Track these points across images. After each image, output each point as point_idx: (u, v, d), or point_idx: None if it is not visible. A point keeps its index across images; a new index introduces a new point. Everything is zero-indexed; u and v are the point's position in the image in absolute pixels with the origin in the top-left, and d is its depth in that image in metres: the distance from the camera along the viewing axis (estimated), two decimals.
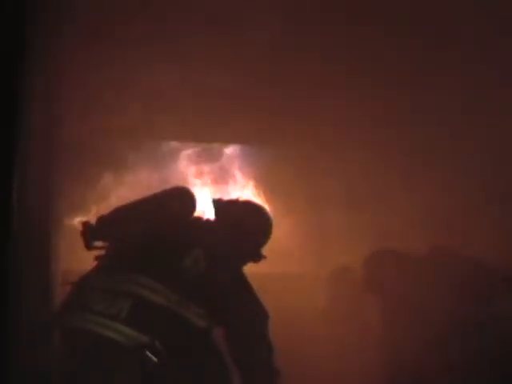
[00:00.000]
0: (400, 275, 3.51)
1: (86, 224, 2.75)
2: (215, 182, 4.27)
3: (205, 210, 3.11)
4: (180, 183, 3.69)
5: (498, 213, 3.73)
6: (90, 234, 2.73)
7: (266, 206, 3.11)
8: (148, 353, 2.44)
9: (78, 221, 3.60)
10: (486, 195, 3.71)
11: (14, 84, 1.82)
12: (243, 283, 2.71)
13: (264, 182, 4.24)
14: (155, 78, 3.74)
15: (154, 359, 2.44)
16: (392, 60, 3.88)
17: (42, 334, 2.48)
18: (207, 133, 4.14)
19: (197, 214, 2.90)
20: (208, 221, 2.92)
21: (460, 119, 3.86)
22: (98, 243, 2.74)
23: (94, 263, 2.70)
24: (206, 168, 4.29)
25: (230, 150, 4.35)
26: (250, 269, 2.84)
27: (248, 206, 3.05)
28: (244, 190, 4.28)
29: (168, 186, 2.95)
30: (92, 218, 2.80)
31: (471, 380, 3.14)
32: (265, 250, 2.93)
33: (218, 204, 2.97)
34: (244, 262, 2.86)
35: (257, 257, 2.92)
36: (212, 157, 4.32)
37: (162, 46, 3.67)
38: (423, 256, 3.59)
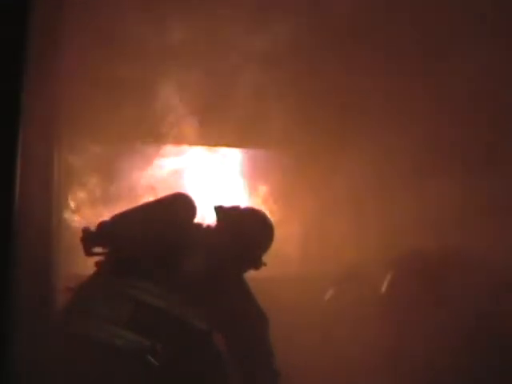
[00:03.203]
0: (407, 275, 3.51)
1: (86, 230, 2.76)
2: (216, 186, 4.27)
3: (206, 216, 3.11)
4: (181, 189, 3.71)
5: (501, 212, 3.72)
6: (90, 240, 2.74)
7: (266, 208, 3.10)
8: (149, 357, 2.45)
9: (78, 226, 3.61)
10: (494, 196, 3.70)
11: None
12: (243, 287, 2.72)
13: (266, 183, 4.24)
14: (156, 79, 3.77)
15: (156, 363, 2.45)
16: (397, 63, 3.90)
17: (42, 339, 2.48)
18: (208, 136, 4.15)
19: (198, 220, 2.90)
20: (209, 227, 2.92)
21: (472, 119, 3.85)
22: (98, 249, 2.75)
23: (95, 268, 2.71)
24: (207, 173, 4.29)
25: (231, 154, 4.36)
26: (250, 272, 2.85)
27: (250, 213, 3.05)
28: (246, 192, 4.28)
29: (168, 192, 2.96)
30: (92, 223, 2.81)
31: (474, 378, 3.14)
32: (266, 253, 2.93)
33: (219, 211, 2.97)
34: (244, 269, 2.87)
35: (257, 264, 2.92)
36: (212, 161, 4.33)
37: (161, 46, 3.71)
38: (430, 256, 3.59)
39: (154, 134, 3.99)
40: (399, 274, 3.60)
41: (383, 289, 3.65)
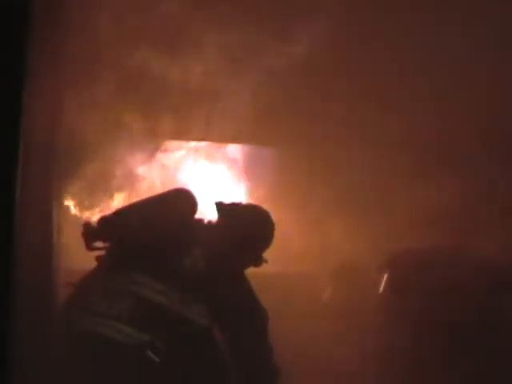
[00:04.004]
0: (406, 274, 3.51)
1: (87, 225, 2.76)
2: (217, 182, 4.27)
3: (207, 212, 3.11)
4: (182, 184, 3.72)
5: (501, 212, 3.72)
6: (91, 235, 2.74)
7: (267, 205, 3.09)
8: (149, 352, 2.46)
9: (79, 221, 3.62)
10: (488, 195, 3.70)
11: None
12: (243, 284, 2.72)
13: (265, 181, 4.24)
14: (156, 77, 3.77)
15: (156, 359, 2.46)
16: (395, 65, 3.90)
17: (43, 334, 2.48)
18: (210, 133, 4.15)
19: (199, 215, 2.90)
20: (209, 222, 2.92)
21: (471, 120, 3.84)
22: (99, 244, 2.75)
23: (96, 264, 2.72)
24: (208, 169, 4.29)
25: (231, 151, 4.36)
26: (250, 269, 2.85)
27: (250, 209, 3.05)
28: (245, 189, 4.28)
29: (170, 187, 2.96)
30: (93, 218, 2.82)
31: (471, 380, 3.15)
32: (267, 250, 2.93)
33: (220, 207, 2.97)
34: (245, 265, 2.87)
35: (257, 261, 2.92)
36: (213, 157, 4.33)
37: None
38: (427, 255, 3.59)
39: (156, 130, 3.99)
40: (397, 273, 3.60)
41: (381, 287, 3.66)
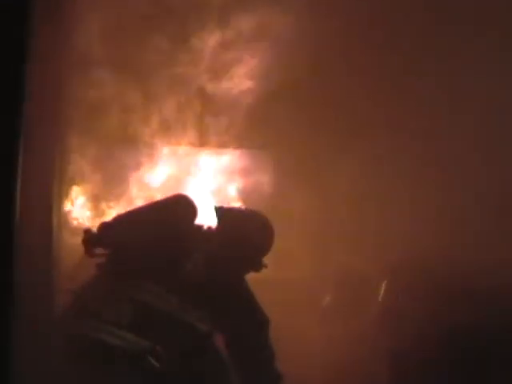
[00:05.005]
0: (402, 276, 3.51)
1: (87, 232, 2.77)
2: (216, 188, 4.28)
3: (206, 217, 3.11)
4: (182, 190, 3.73)
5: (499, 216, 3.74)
6: (91, 241, 2.74)
7: (266, 210, 3.09)
8: (150, 358, 2.46)
9: (79, 227, 3.62)
10: (488, 197, 3.71)
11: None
12: (243, 288, 2.72)
13: (265, 186, 4.25)
14: (156, 81, 3.79)
15: (156, 364, 2.45)
16: (391, 71, 3.93)
17: (42, 339, 2.48)
18: (209, 138, 4.17)
19: (198, 221, 2.90)
20: (209, 228, 2.92)
21: (471, 120, 3.85)
22: (100, 250, 2.75)
23: (96, 269, 2.72)
24: (207, 174, 4.30)
25: (230, 155, 4.37)
26: (250, 274, 2.85)
27: (250, 215, 3.05)
28: (245, 195, 4.28)
29: (170, 193, 2.97)
30: (94, 224, 2.82)
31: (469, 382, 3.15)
32: (267, 255, 2.93)
33: (219, 212, 2.97)
34: (245, 271, 2.87)
35: (257, 266, 2.92)
36: (213, 163, 4.34)
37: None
38: (428, 261, 3.58)
39: (156, 136, 4.01)
40: (399, 279, 3.60)
41: (382, 291, 3.66)
